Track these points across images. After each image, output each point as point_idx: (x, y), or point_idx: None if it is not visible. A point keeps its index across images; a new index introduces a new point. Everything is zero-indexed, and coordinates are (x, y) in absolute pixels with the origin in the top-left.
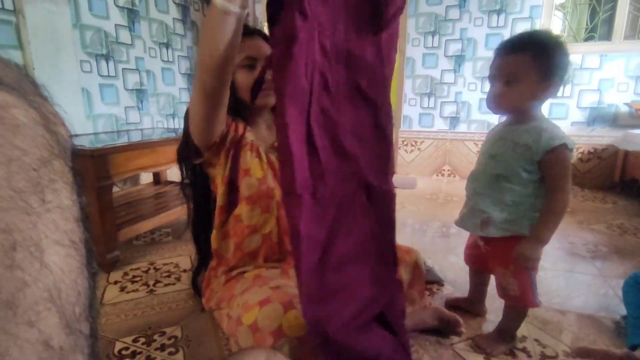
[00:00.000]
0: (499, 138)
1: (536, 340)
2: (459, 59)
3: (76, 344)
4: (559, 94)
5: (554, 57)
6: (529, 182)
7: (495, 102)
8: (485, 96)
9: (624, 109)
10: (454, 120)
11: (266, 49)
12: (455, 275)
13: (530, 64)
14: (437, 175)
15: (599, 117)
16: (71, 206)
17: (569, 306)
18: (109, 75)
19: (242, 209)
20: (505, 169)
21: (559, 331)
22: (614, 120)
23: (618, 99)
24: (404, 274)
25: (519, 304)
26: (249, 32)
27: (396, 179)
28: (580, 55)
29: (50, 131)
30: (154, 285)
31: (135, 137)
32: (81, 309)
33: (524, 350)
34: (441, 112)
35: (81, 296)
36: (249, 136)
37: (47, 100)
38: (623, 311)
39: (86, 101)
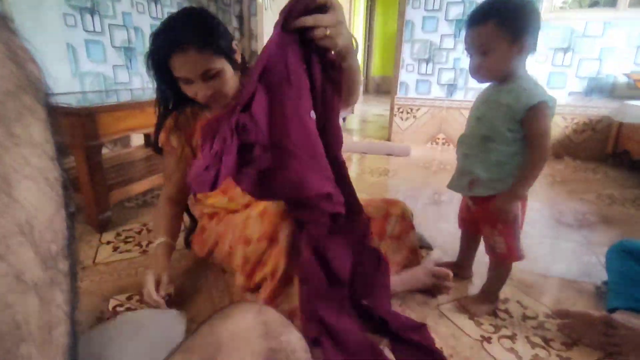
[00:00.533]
0: (484, 100)
1: (518, 302)
2: (460, 24)
3: (53, 281)
4: (559, 62)
5: (518, 17)
6: (513, 141)
7: (477, 73)
8: None
9: (623, 79)
10: (451, 87)
11: (199, 62)
12: (444, 240)
13: (496, 32)
14: (432, 144)
15: (597, 88)
16: (44, 144)
17: (552, 271)
18: (94, 31)
19: (217, 199)
20: (490, 129)
21: (541, 294)
22: (611, 91)
23: (618, 69)
24: (390, 226)
25: (505, 260)
26: (187, 44)
27: (390, 146)
28: (584, 23)
29: (18, 65)
30: (146, 245)
31: (125, 97)
32: (58, 248)
33: (506, 311)
34: (439, 79)
35: (58, 235)
36: None
37: (16, 34)
38: (605, 277)
39: (72, 58)
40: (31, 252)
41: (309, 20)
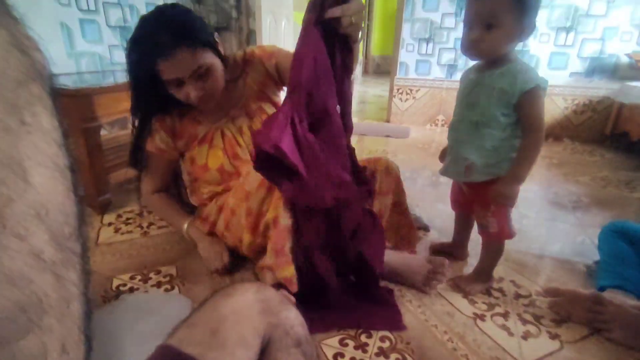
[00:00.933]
0: (476, 85)
1: (512, 281)
2: (461, 1)
3: (68, 260)
4: (561, 42)
5: None
6: (506, 126)
7: (475, 49)
8: None
9: (625, 60)
10: (452, 68)
11: (190, 60)
12: (442, 222)
13: (509, 5)
14: (431, 125)
15: (598, 68)
16: (52, 130)
17: (546, 252)
18: (89, 10)
19: (211, 187)
20: (483, 115)
21: (534, 274)
22: (613, 71)
23: (620, 49)
24: (377, 184)
25: (497, 239)
26: (173, 45)
27: (389, 128)
28: (588, 1)
29: (24, 53)
30: (147, 227)
31: (122, 78)
32: (71, 230)
33: (499, 290)
34: (439, 60)
35: (69, 218)
36: (201, 130)
37: (20, 22)
38: (597, 257)
39: (66, 38)
40: (47, 234)
41: (337, 11)
